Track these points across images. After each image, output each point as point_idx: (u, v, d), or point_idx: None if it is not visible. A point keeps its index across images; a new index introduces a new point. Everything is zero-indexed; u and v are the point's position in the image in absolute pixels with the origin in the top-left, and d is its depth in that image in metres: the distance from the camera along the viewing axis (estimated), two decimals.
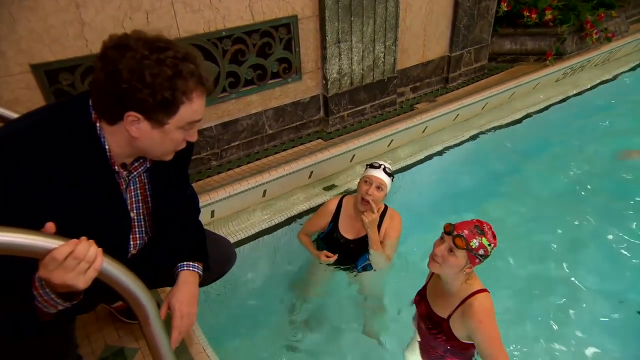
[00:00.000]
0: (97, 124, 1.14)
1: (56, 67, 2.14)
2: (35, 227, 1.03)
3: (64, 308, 1.07)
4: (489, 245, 1.56)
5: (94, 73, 1.10)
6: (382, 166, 2.16)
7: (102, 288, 1.04)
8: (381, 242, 2.21)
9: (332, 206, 2.38)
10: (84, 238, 0.98)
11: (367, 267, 2.29)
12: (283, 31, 2.82)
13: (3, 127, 1.14)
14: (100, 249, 1.00)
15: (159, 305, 1.20)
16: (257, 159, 2.99)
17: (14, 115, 1.57)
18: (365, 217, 2.10)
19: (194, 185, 2.67)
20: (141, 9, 2.25)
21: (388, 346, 2.19)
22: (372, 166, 2.19)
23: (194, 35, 2.46)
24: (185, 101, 1.11)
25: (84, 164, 1.14)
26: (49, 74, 2.13)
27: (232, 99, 2.80)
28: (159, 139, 1.15)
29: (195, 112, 1.15)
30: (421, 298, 1.89)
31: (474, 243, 1.54)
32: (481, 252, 1.55)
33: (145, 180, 1.34)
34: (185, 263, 1.47)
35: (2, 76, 2.02)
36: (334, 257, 2.30)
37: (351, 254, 2.30)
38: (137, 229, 1.41)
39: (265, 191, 2.81)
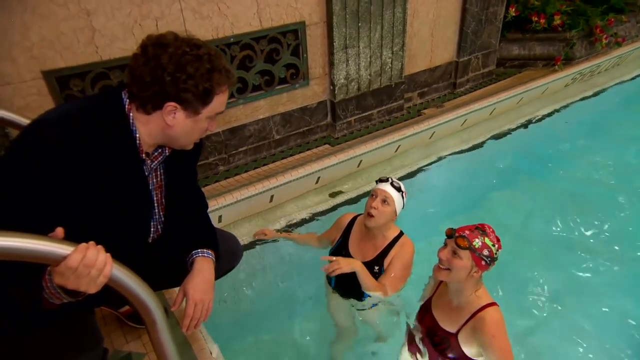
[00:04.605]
0: (130, 114, 1.23)
1: (67, 74, 2.17)
2: (60, 214, 1.09)
3: (68, 302, 1.09)
4: (493, 245, 1.54)
5: (133, 68, 1.19)
6: (390, 180, 2.10)
7: (106, 288, 1.05)
8: (386, 270, 2.08)
9: (345, 221, 2.26)
10: (92, 243, 0.99)
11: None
12: (291, 37, 2.83)
13: (40, 115, 1.19)
14: (109, 255, 1.01)
15: (165, 310, 1.20)
16: (264, 165, 3.00)
17: (26, 121, 1.59)
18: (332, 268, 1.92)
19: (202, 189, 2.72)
20: (151, 16, 2.28)
21: None
22: (379, 180, 2.12)
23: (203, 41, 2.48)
24: (219, 92, 1.25)
25: (114, 152, 1.21)
26: (60, 80, 2.17)
27: (240, 104, 2.82)
28: (189, 127, 1.27)
29: (222, 103, 1.30)
30: (426, 312, 1.83)
31: (477, 243, 1.53)
32: (485, 252, 1.53)
33: (161, 170, 1.41)
34: (199, 250, 1.50)
35: (14, 82, 2.05)
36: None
37: (356, 278, 2.09)
38: (154, 217, 1.46)
39: (272, 196, 2.82)
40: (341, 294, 2.21)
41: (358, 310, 2.21)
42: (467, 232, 1.56)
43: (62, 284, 0.99)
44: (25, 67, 2.06)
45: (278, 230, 2.70)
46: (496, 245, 1.55)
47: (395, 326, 2.16)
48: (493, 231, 1.59)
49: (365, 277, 1.98)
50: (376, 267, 2.10)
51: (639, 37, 5.10)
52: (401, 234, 2.15)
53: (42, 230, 0.96)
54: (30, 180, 1.08)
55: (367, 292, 2.06)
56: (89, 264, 0.96)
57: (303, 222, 2.81)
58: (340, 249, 2.20)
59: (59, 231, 0.97)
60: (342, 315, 2.27)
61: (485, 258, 1.53)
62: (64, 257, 0.93)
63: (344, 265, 1.93)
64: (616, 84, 4.77)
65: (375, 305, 2.15)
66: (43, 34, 2.04)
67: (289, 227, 2.75)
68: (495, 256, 1.55)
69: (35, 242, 0.91)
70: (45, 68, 2.10)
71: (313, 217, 2.83)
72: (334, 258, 1.96)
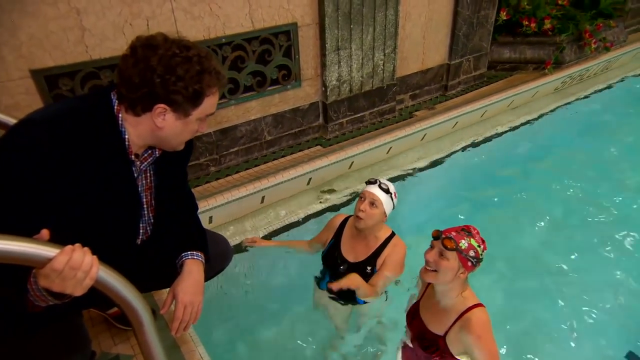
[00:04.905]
0: (119, 115, 1.22)
1: (56, 73, 2.15)
2: (47, 216, 1.08)
3: (53, 304, 1.08)
4: (479, 246, 1.56)
5: (122, 69, 1.17)
6: (378, 182, 2.09)
7: (94, 290, 1.04)
8: (379, 271, 2.11)
9: (337, 222, 2.28)
10: (78, 245, 0.98)
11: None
12: (283, 38, 2.83)
13: (27, 114, 1.18)
14: (95, 257, 1.00)
15: (154, 312, 1.20)
16: (256, 165, 2.99)
17: (12, 121, 1.57)
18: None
19: (192, 191, 2.70)
20: (142, 16, 2.26)
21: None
22: (368, 182, 2.11)
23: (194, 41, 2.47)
24: (209, 94, 1.25)
25: (103, 153, 1.21)
26: (48, 79, 2.15)
27: (232, 105, 2.81)
28: (179, 129, 1.26)
29: (212, 105, 1.29)
30: (414, 316, 1.84)
31: (463, 244, 1.55)
32: (472, 253, 1.55)
33: (151, 172, 1.40)
34: (188, 252, 1.50)
35: (2, 81, 2.03)
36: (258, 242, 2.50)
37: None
38: (143, 218, 1.45)
39: (263, 197, 2.81)
40: (339, 301, 2.25)
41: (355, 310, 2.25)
42: (453, 233, 1.57)
43: (47, 286, 0.98)
44: (14, 66, 2.03)
45: (267, 238, 2.69)
46: (481, 246, 1.57)
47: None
48: (478, 232, 1.61)
49: (364, 289, 2.01)
50: (369, 268, 2.12)
51: (626, 42, 5.17)
52: (393, 234, 2.17)
53: (28, 231, 0.95)
54: (17, 181, 1.06)
55: (362, 299, 2.12)
56: (74, 266, 0.95)
57: (294, 223, 2.81)
58: (333, 249, 2.21)
59: (44, 233, 0.96)
60: (338, 314, 2.31)
61: (471, 259, 1.55)
62: (49, 260, 0.93)
63: (348, 285, 1.96)
64: (604, 88, 4.85)
65: (365, 302, 2.19)
66: (32, 32, 2.02)
67: (280, 229, 2.74)
68: (480, 257, 1.57)
69: (20, 244, 0.90)
70: (34, 67, 2.08)
71: (304, 219, 2.83)
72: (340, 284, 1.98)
